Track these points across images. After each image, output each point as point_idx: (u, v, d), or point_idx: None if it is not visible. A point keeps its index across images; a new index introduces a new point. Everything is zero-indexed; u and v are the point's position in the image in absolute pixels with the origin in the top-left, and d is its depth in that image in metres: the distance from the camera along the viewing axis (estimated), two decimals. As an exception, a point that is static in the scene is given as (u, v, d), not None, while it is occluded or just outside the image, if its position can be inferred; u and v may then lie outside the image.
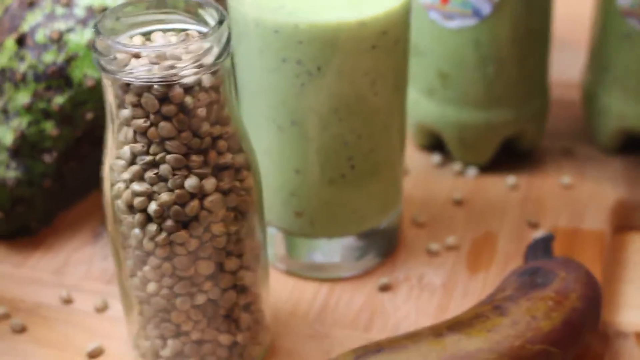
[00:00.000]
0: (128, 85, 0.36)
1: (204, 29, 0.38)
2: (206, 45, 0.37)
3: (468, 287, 0.48)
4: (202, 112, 0.37)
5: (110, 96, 0.37)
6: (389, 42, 0.43)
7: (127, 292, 0.41)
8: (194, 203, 0.38)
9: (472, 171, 0.56)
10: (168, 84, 0.36)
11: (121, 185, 0.38)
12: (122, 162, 0.38)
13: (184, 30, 0.39)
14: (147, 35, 0.39)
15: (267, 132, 0.45)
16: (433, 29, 0.53)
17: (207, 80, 0.37)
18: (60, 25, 0.49)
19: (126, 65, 0.36)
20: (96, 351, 0.45)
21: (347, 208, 0.47)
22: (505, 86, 0.53)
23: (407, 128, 0.49)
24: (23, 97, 0.49)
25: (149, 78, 0.36)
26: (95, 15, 0.49)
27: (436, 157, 0.57)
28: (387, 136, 0.46)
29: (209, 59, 0.37)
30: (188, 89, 0.37)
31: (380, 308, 0.47)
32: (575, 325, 0.41)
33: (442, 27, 0.52)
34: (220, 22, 0.38)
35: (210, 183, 0.38)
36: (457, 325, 0.41)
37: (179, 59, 0.36)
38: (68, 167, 0.50)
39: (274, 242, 0.49)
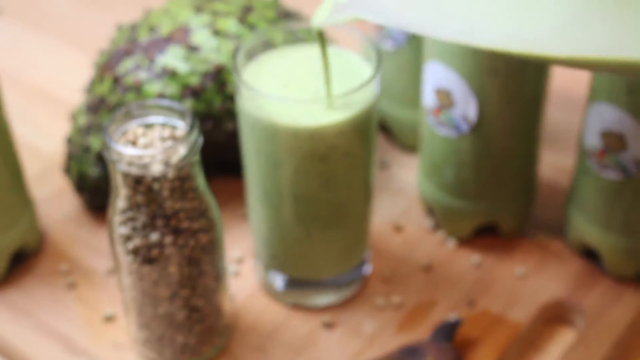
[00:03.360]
0: (117, 167, 0.53)
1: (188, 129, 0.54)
2: (172, 150, 0.52)
3: (388, 343, 0.62)
4: (166, 193, 0.53)
5: (110, 167, 0.54)
6: (338, 155, 0.56)
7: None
8: (156, 250, 0.55)
9: (451, 242, 0.68)
10: (141, 174, 0.52)
11: (114, 224, 0.56)
12: (115, 209, 0.55)
13: (175, 127, 0.55)
14: (149, 126, 0.55)
15: (253, 193, 0.61)
16: (429, 128, 0.65)
17: (171, 173, 0.53)
18: (142, 75, 0.66)
19: (116, 156, 0.53)
20: (109, 317, 0.63)
21: (307, 261, 0.62)
22: (479, 186, 0.65)
23: (370, 207, 0.63)
24: (110, 120, 0.66)
25: (127, 169, 0.52)
26: (168, 73, 0.65)
27: (429, 222, 0.70)
28: (341, 218, 0.60)
29: (174, 159, 0.53)
30: (156, 178, 0.53)
31: (316, 340, 0.62)
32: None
33: (434, 130, 0.64)
34: (189, 132, 0.53)
35: (168, 239, 0.55)
36: (326, 379, 0.55)
37: (153, 157, 0.52)
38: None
39: (258, 268, 0.65)
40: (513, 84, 0.60)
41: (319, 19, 0.53)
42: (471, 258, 0.67)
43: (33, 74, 0.87)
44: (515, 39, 0.44)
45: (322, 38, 0.54)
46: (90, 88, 0.69)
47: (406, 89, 0.72)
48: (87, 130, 0.68)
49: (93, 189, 0.68)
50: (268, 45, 0.59)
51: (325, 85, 0.55)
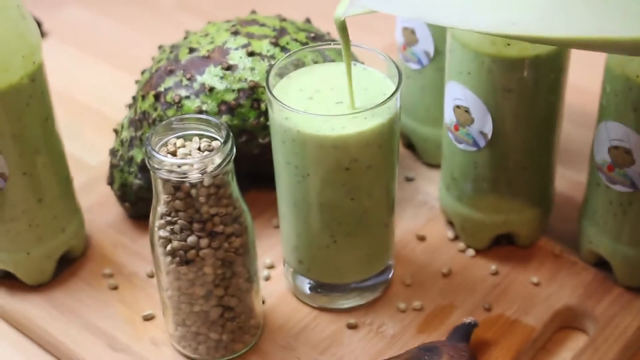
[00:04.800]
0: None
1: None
2: (208, 159, 0.57)
3: (408, 344, 0.66)
4: (202, 199, 0.58)
5: (152, 174, 0.59)
6: (362, 167, 0.61)
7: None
8: (192, 252, 0.60)
9: (470, 251, 0.72)
10: (180, 181, 0.57)
11: (155, 228, 0.60)
12: (156, 214, 0.60)
13: (213, 138, 0.60)
14: (188, 137, 0.60)
15: (283, 202, 0.65)
16: (449, 143, 0.69)
17: (207, 180, 0.58)
18: (182, 92, 0.71)
19: (157, 164, 0.57)
20: (148, 316, 0.68)
21: (333, 266, 0.66)
22: (495, 198, 0.69)
23: (393, 214, 0.67)
24: (152, 134, 0.71)
25: (167, 176, 0.57)
26: (206, 90, 0.70)
27: (450, 232, 0.74)
28: (364, 226, 0.64)
29: (210, 168, 0.57)
30: (193, 185, 0.58)
31: (340, 340, 0.66)
32: (428, 398, 0.59)
33: (454, 145, 0.68)
34: (224, 143, 0.58)
35: (204, 242, 0.59)
36: (348, 373, 0.60)
37: (191, 165, 0.57)
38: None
39: (287, 272, 0.69)
40: (526, 102, 0.64)
41: (339, 11, 0.58)
42: (489, 266, 0.71)
43: (80, 92, 0.92)
44: (509, 23, 0.49)
45: (343, 30, 0.58)
46: (134, 104, 0.74)
47: (430, 108, 0.77)
48: (130, 143, 0.73)
49: (134, 199, 0.73)
50: (298, 65, 0.64)
51: (347, 82, 0.59)
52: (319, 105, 0.61)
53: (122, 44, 1.01)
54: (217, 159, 0.58)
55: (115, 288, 0.71)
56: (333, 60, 0.66)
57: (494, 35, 0.52)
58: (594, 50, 0.53)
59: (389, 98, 0.59)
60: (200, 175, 0.57)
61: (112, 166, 0.75)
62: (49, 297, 0.70)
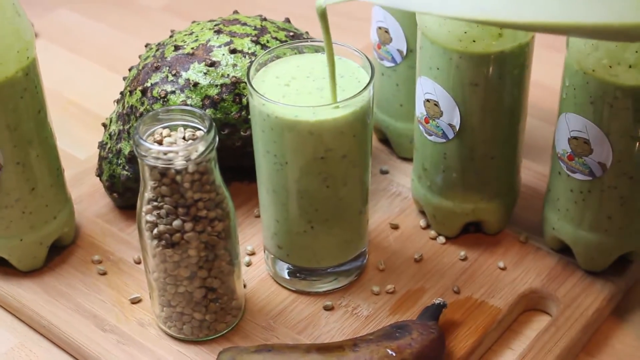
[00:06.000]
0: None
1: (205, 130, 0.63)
2: (192, 147, 0.61)
3: (380, 323, 0.70)
4: (187, 185, 0.62)
5: (139, 162, 0.63)
6: (337, 156, 0.65)
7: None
8: (177, 235, 0.63)
9: (441, 238, 0.76)
10: (166, 167, 0.61)
11: (142, 213, 0.64)
12: (143, 200, 0.64)
13: (196, 128, 0.64)
14: (173, 127, 0.64)
15: (263, 190, 0.69)
16: (420, 136, 0.73)
17: (192, 167, 0.62)
18: (168, 88, 0.75)
19: (144, 152, 0.61)
20: (135, 299, 0.72)
21: (310, 251, 0.70)
22: (464, 188, 0.73)
23: (367, 203, 0.71)
24: (139, 127, 0.75)
25: (154, 163, 0.61)
26: (190, 85, 0.74)
27: (422, 221, 0.78)
28: (340, 213, 0.68)
29: (194, 155, 0.61)
30: (178, 171, 0.61)
31: (317, 321, 0.70)
32: (399, 372, 0.62)
33: (424, 137, 0.72)
34: (207, 132, 0.62)
35: (188, 226, 0.63)
36: (324, 348, 0.63)
37: (176, 153, 0.61)
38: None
39: (267, 258, 0.73)
40: (491, 96, 0.68)
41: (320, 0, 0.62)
42: (458, 252, 0.75)
43: (70, 91, 0.96)
44: (479, 9, 0.53)
45: (324, 17, 0.62)
46: (121, 99, 0.78)
47: (403, 104, 0.81)
48: (118, 136, 0.77)
49: (122, 189, 0.77)
50: (277, 59, 0.68)
51: (329, 71, 0.63)
52: (296, 92, 0.65)
53: (110, 44, 1.04)
54: (201, 147, 0.62)
55: (104, 273, 0.74)
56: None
57: (465, 20, 0.55)
58: (560, 34, 0.56)
59: (364, 88, 0.63)
60: (184, 162, 0.61)
61: (101, 158, 0.78)
62: (41, 282, 0.74)
